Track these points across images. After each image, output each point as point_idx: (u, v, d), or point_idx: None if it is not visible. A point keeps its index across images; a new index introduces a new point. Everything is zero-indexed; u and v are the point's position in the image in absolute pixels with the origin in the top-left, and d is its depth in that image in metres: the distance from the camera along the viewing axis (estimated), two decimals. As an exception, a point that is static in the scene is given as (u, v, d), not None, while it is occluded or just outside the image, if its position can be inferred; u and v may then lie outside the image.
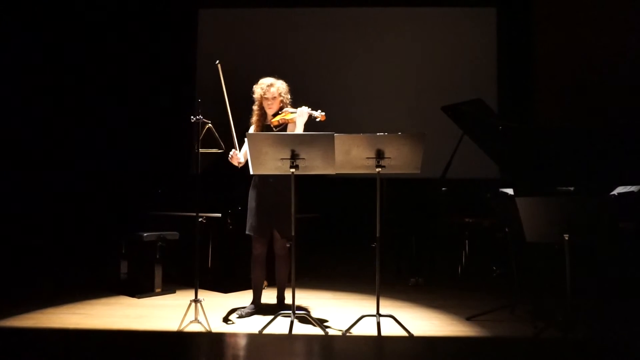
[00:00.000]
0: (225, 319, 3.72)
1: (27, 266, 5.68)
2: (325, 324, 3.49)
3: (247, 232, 3.81)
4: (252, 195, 3.80)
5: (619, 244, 3.93)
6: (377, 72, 7.09)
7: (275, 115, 3.77)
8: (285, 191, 3.70)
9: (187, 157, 6.88)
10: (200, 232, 3.63)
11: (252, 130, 3.82)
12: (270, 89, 3.74)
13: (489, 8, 7.11)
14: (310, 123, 3.66)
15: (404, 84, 7.06)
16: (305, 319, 3.47)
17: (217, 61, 3.60)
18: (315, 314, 3.49)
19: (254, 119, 3.84)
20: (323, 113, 3.58)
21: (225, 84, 3.61)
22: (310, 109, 3.64)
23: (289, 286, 3.79)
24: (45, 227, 6.16)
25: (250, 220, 3.78)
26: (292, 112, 3.70)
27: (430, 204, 4.85)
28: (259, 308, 3.86)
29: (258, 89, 3.78)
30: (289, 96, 3.83)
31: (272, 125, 3.78)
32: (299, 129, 3.61)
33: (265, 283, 4.66)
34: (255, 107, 3.83)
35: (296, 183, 3.37)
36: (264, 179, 3.72)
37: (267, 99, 3.75)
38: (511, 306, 3.85)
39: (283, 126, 3.78)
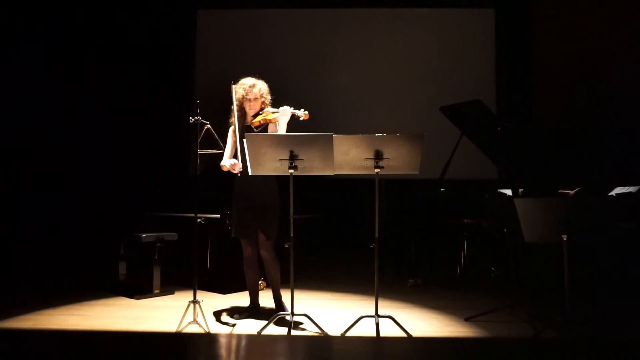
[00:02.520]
0: (224, 321, 3.71)
1: (25, 267, 5.67)
2: (324, 324, 3.49)
3: (232, 236, 3.80)
4: (235, 198, 3.77)
5: (618, 244, 3.93)
6: (376, 73, 7.09)
7: (255, 115, 3.73)
8: (269, 193, 3.69)
9: (185, 157, 6.87)
10: (199, 233, 3.63)
11: (231, 130, 3.79)
12: (252, 89, 3.70)
13: (487, 9, 7.12)
14: (298, 123, 3.62)
15: (403, 85, 7.06)
16: (304, 319, 3.47)
17: (233, 82, 3.59)
18: (314, 314, 3.49)
19: (234, 119, 3.78)
20: (306, 112, 3.55)
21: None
22: (292, 108, 3.61)
23: (283, 287, 3.78)
24: (44, 228, 6.15)
25: (235, 224, 3.75)
26: (273, 112, 3.65)
27: (429, 205, 4.85)
28: (256, 310, 3.85)
29: (240, 90, 3.72)
30: (269, 97, 3.80)
31: (253, 126, 3.73)
32: (282, 129, 3.58)
33: (264, 284, 4.66)
34: (234, 108, 3.76)
35: (286, 184, 3.36)
36: (246, 181, 3.65)
37: (249, 99, 3.71)
38: (510, 307, 3.85)
39: (264, 127, 3.74)
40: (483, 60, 7.03)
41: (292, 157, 3.23)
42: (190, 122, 3.46)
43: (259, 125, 3.72)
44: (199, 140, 3.47)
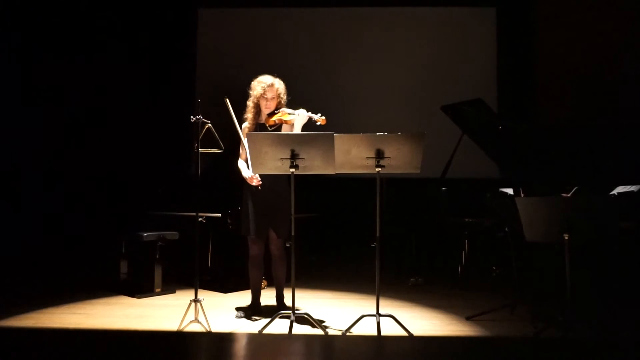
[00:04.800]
0: (225, 320, 3.71)
1: (27, 266, 5.68)
2: (325, 323, 3.49)
3: (242, 234, 3.80)
4: (247, 196, 3.77)
5: (619, 243, 3.92)
6: (377, 72, 7.09)
7: (271, 114, 3.73)
8: (282, 191, 3.70)
9: (187, 157, 6.87)
10: (200, 232, 3.63)
11: (245, 125, 3.80)
12: (271, 88, 3.71)
13: (488, 8, 7.11)
14: (310, 126, 3.64)
15: (404, 84, 7.05)
16: (305, 318, 3.48)
17: (226, 96, 3.61)
18: (315, 313, 3.49)
19: (249, 116, 3.79)
20: (323, 117, 3.55)
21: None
22: (309, 112, 3.62)
23: (287, 286, 3.79)
24: (45, 227, 6.16)
25: (246, 222, 3.75)
26: (290, 114, 3.65)
27: (430, 204, 4.85)
28: (258, 309, 3.85)
29: (258, 87, 3.73)
30: (285, 97, 3.81)
31: (267, 124, 3.74)
32: (297, 132, 3.58)
33: (265, 283, 4.67)
34: (250, 104, 3.78)
35: (295, 183, 3.37)
36: (262, 178, 3.69)
37: (266, 98, 3.72)
38: (511, 306, 3.85)
39: (278, 126, 3.75)
40: (484, 59, 7.01)
41: (293, 156, 3.23)
42: (192, 121, 3.47)
43: (274, 124, 3.73)
44: (199, 139, 3.47)
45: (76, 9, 6.66)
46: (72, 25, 6.63)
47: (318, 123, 3.56)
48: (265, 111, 3.76)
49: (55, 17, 6.52)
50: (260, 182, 3.65)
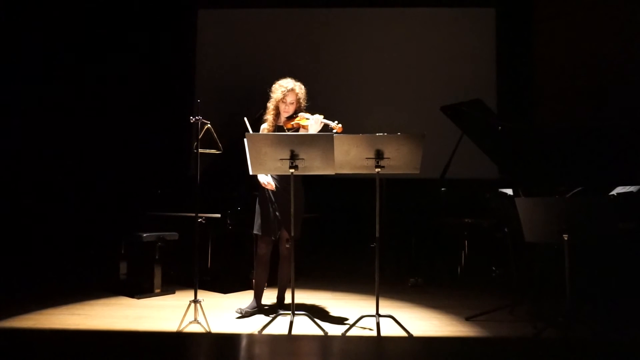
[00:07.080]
0: (225, 320, 3.71)
1: (26, 267, 5.67)
2: (325, 324, 3.49)
3: (255, 232, 3.81)
4: (264, 195, 3.80)
5: (619, 244, 3.92)
6: (376, 73, 7.09)
7: (290, 118, 3.76)
8: (296, 192, 3.71)
9: (186, 157, 6.87)
10: (200, 233, 3.63)
11: (264, 127, 3.82)
12: (291, 93, 3.74)
13: (488, 9, 7.11)
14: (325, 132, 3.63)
15: (403, 84, 7.06)
16: (305, 319, 3.47)
17: (245, 117, 3.65)
18: (314, 314, 3.49)
19: (269, 118, 3.82)
20: (340, 125, 3.54)
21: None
22: (323, 117, 3.62)
23: (289, 286, 3.79)
24: (45, 228, 6.15)
25: (260, 220, 3.78)
26: (307, 119, 3.68)
27: (430, 204, 4.85)
28: (259, 308, 3.86)
29: (278, 91, 3.76)
30: (305, 102, 3.83)
31: (285, 128, 3.77)
32: None
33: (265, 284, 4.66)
34: (270, 106, 3.82)
35: (299, 183, 3.37)
36: (277, 179, 3.73)
37: (285, 102, 3.74)
38: (511, 306, 3.85)
39: (296, 129, 3.77)
40: (484, 59, 7.01)
41: (293, 157, 3.23)
42: (191, 121, 3.47)
43: (291, 128, 3.76)
44: (199, 140, 3.46)
45: (76, 9, 6.65)
46: (71, 25, 6.63)
47: (334, 130, 3.54)
48: (283, 115, 3.79)
49: (55, 16, 6.51)
50: (274, 187, 3.72)
